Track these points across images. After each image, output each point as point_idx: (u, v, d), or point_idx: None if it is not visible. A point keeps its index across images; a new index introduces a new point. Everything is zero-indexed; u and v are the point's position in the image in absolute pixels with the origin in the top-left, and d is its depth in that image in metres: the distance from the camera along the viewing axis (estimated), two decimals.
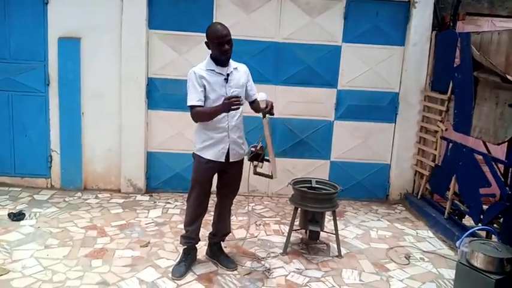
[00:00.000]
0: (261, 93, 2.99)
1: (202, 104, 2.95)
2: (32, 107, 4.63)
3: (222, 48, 2.89)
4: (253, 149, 3.03)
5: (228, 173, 3.16)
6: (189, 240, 3.23)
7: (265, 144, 3.02)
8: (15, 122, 4.65)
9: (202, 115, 2.96)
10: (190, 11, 4.58)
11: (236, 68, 3.09)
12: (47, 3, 4.46)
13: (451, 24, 4.58)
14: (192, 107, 2.95)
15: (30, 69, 4.56)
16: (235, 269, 3.27)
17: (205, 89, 2.94)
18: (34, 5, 4.45)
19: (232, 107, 2.82)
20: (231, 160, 3.07)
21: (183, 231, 3.25)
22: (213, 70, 2.98)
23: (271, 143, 2.95)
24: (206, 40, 2.95)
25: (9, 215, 3.95)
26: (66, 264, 3.22)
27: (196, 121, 3.02)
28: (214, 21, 4.54)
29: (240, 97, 2.89)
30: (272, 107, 2.99)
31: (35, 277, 3.02)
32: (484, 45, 3.70)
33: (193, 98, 2.93)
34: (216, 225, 3.35)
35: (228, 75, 3.00)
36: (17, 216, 3.92)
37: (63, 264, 3.21)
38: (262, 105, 2.92)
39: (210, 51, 3.01)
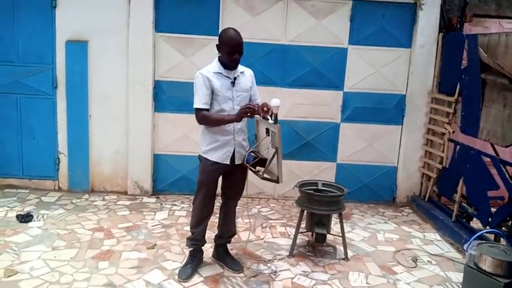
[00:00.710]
0: (275, 100, 2.92)
1: (208, 107, 2.98)
2: (40, 109, 4.67)
3: (232, 56, 2.92)
4: (253, 154, 3.01)
5: (233, 175, 3.16)
6: (195, 242, 3.23)
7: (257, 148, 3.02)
8: (23, 124, 4.69)
9: (210, 121, 2.98)
10: (196, 14, 4.60)
11: (243, 72, 3.11)
12: (55, 7, 4.50)
13: (458, 26, 4.56)
14: (198, 110, 2.97)
15: (38, 72, 4.61)
16: (242, 271, 3.27)
17: (212, 92, 2.96)
18: (42, 8, 4.50)
19: (245, 115, 2.88)
20: (236, 163, 3.08)
21: (189, 234, 3.25)
22: (221, 73, 2.99)
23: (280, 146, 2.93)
24: (218, 43, 2.97)
25: (17, 216, 3.98)
26: (74, 265, 3.24)
27: (200, 123, 3.04)
28: (220, 23, 4.58)
29: (255, 106, 2.90)
30: (266, 111, 2.91)
31: (43, 278, 3.04)
32: (492, 47, 3.67)
33: (200, 100, 2.95)
34: (221, 227, 3.36)
35: (235, 79, 3.03)
36: (25, 218, 3.95)
37: (70, 266, 3.23)
38: (275, 111, 2.91)
39: (218, 54, 3.03)
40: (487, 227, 3.65)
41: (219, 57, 3.03)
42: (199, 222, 3.17)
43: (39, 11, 4.50)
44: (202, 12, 4.60)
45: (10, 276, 3.04)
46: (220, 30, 4.53)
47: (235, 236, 3.49)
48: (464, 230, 3.97)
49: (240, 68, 3.10)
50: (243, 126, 3.10)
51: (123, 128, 4.73)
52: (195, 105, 2.97)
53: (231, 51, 2.91)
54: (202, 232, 3.21)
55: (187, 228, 3.47)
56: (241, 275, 3.24)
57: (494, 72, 3.61)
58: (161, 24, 4.62)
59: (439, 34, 4.68)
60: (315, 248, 3.77)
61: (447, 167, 4.45)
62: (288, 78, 4.76)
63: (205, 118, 2.98)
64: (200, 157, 3.12)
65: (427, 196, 4.77)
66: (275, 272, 3.32)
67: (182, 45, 4.65)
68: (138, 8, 4.51)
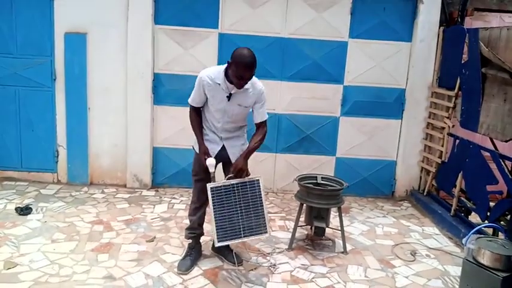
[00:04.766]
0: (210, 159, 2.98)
1: (198, 106, 3.05)
2: (38, 102, 4.64)
3: (240, 81, 2.80)
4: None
5: (231, 163, 3.16)
6: (193, 231, 3.25)
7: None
8: (22, 117, 4.67)
9: (191, 123, 3.08)
10: (196, 6, 4.57)
11: (247, 89, 2.94)
12: None
13: (459, 20, 4.54)
14: (190, 106, 3.07)
15: (37, 64, 4.58)
16: (241, 265, 3.28)
17: (207, 96, 2.99)
18: (40, 0, 4.46)
19: (201, 157, 2.99)
20: (232, 161, 3.06)
21: (187, 224, 3.28)
22: (219, 84, 2.90)
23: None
24: (230, 60, 2.80)
25: (16, 209, 3.98)
26: (73, 258, 3.24)
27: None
28: (219, 15, 4.56)
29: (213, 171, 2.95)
30: (240, 170, 2.91)
31: (42, 271, 3.05)
32: (493, 41, 3.66)
33: (192, 99, 3.04)
34: None
35: (231, 94, 2.92)
36: (24, 211, 3.95)
37: (69, 259, 3.23)
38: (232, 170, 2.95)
39: (226, 66, 2.89)
40: (486, 221, 3.66)
41: (227, 67, 2.87)
42: (195, 209, 3.21)
43: (38, 2, 4.46)
44: (202, 5, 4.57)
45: (10, 268, 3.05)
46: (220, 23, 4.58)
47: None
48: (463, 224, 3.98)
49: (248, 83, 2.91)
50: (229, 127, 3.04)
51: (122, 121, 4.71)
52: (190, 98, 3.06)
53: (241, 75, 2.76)
54: (199, 220, 3.24)
55: (187, 221, 3.47)
56: (241, 268, 3.25)
57: (494, 66, 3.60)
58: (160, 17, 4.59)
59: (439, 28, 4.66)
60: (314, 241, 3.78)
61: (446, 161, 4.46)
62: (288, 72, 4.75)
63: (190, 117, 3.08)
64: (193, 147, 3.19)
65: (426, 190, 4.78)
66: (274, 265, 3.33)
67: (181, 38, 4.63)
68: (137, 0, 4.48)
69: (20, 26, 4.51)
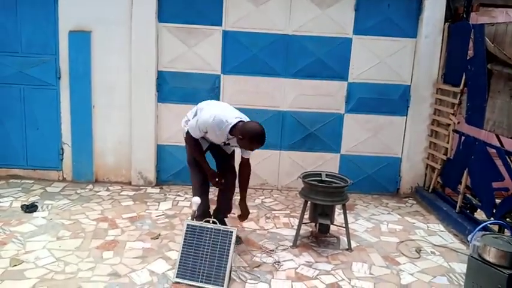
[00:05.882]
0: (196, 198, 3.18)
1: (197, 138, 3.27)
2: (43, 100, 4.67)
3: (251, 150, 3.20)
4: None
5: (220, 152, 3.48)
6: (201, 219, 3.25)
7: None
8: (27, 115, 4.70)
9: (192, 149, 3.32)
10: (199, 4, 4.56)
11: None
12: None
13: (465, 15, 4.50)
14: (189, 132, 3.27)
15: (42, 62, 4.60)
16: (241, 243, 3.40)
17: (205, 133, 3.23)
18: None
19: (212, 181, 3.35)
20: (229, 153, 3.40)
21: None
22: (223, 135, 3.15)
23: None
24: (241, 136, 3.04)
25: (22, 206, 4.00)
26: (78, 255, 3.26)
27: (185, 138, 3.34)
28: (223, 13, 4.54)
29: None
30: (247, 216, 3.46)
31: (48, 268, 3.07)
32: (499, 36, 3.63)
33: (194, 133, 3.21)
34: (219, 201, 3.57)
35: (228, 143, 3.27)
36: (30, 208, 3.97)
37: (75, 256, 3.25)
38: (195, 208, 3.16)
39: (232, 123, 3.10)
40: (492, 218, 3.65)
41: (232, 129, 3.10)
42: (199, 194, 3.31)
43: (42, 1, 4.48)
44: (205, 2, 4.56)
45: (15, 265, 3.07)
46: (223, 20, 4.57)
47: (239, 226, 3.52)
48: (468, 221, 3.96)
49: None
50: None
51: (126, 119, 4.73)
52: (190, 131, 3.22)
53: (254, 148, 3.13)
54: (204, 207, 3.35)
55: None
56: (245, 265, 3.25)
57: (500, 62, 3.58)
58: (164, 14, 4.59)
59: (445, 24, 4.63)
60: (319, 238, 3.77)
61: (452, 158, 4.43)
62: (292, 69, 4.73)
63: (190, 142, 3.27)
64: (187, 131, 3.32)
65: (431, 187, 4.76)
66: (278, 262, 3.33)
67: (185, 36, 4.62)
68: None
69: (25, 25, 4.52)
